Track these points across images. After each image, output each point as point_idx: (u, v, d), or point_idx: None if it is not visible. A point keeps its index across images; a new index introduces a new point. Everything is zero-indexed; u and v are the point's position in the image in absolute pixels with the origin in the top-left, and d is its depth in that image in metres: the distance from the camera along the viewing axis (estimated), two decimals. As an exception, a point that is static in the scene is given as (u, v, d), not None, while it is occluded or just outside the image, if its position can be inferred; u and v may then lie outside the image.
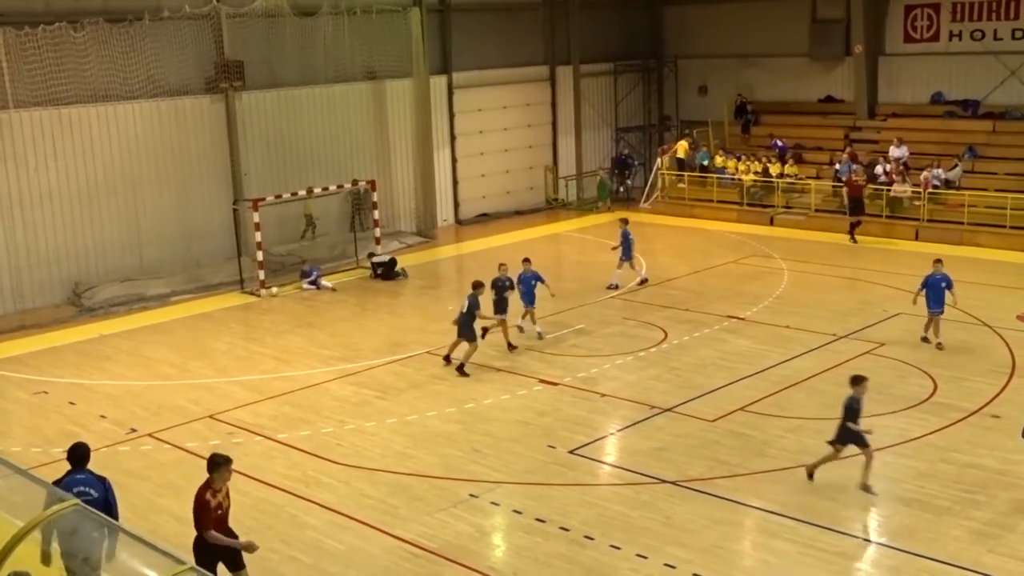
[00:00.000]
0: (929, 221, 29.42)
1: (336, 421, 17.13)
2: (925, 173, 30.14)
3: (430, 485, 14.59)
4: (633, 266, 25.19)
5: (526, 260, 21.80)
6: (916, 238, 28.95)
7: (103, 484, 10.98)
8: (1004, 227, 27.87)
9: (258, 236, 25.55)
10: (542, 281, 21.48)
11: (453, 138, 34.15)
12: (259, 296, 25.47)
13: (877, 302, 22.95)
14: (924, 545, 12.46)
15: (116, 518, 10.90)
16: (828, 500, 13.70)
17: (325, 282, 25.95)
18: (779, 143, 34.76)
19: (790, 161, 33.62)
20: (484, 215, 35.09)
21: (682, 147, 35.88)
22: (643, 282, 25.04)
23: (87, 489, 10.80)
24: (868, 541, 12.88)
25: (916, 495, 13.77)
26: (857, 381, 14.02)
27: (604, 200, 35.77)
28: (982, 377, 18.00)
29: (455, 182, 34.45)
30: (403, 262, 27.73)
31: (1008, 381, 17.81)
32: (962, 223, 28.53)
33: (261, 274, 25.69)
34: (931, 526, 12.95)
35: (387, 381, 19.02)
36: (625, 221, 25.44)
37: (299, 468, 15.34)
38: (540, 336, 21.03)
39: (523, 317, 21.44)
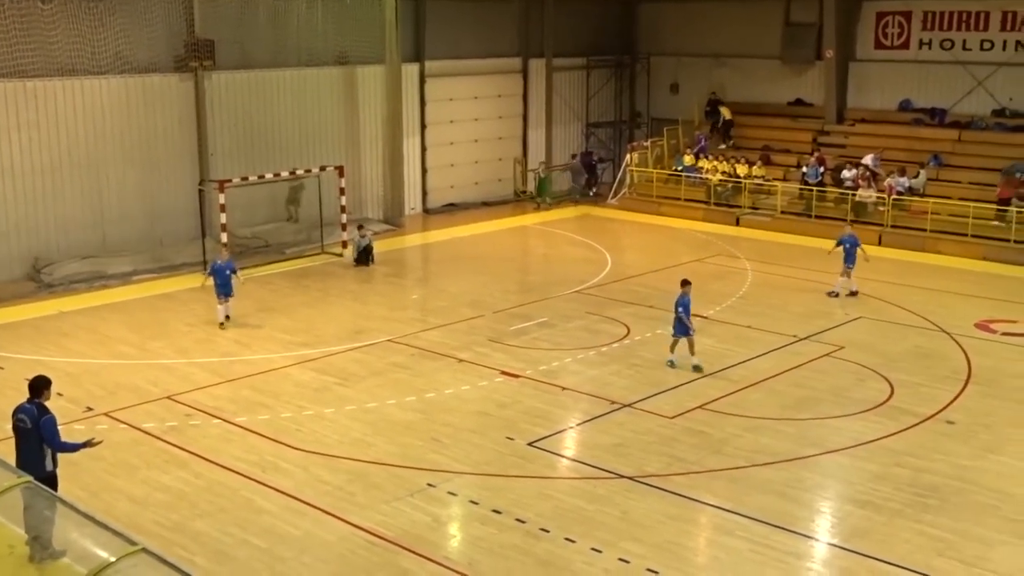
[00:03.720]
0: (893, 227, 29.72)
1: (295, 406, 17.06)
2: (889, 179, 30.47)
3: (388, 473, 14.57)
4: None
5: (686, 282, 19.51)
6: (879, 243, 29.18)
7: (39, 414, 11.53)
8: (966, 235, 28.18)
9: (223, 218, 25.37)
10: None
11: (423, 127, 34.06)
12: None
13: (838, 305, 23.17)
14: (875, 547, 12.60)
15: (53, 448, 11.63)
16: (783, 500, 13.82)
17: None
18: (702, 139, 35.13)
19: (758, 164, 33.84)
20: (452, 205, 35.02)
21: (688, 158, 35.74)
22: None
23: (24, 417, 11.60)
24: (820, 542, 13.01)
25: (870, 497, 13.91)
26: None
27: (543, 198, 35.64)
28: (938, 383, 18.21)
29: (424, 171, 34.38)
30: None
31: (963, 388, 18.04)
32: (925, 230, 28.85)
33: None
34: (883, 528, 13.10)
35: (348, 368, 18.96)
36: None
37: (256, 452, 15.26)
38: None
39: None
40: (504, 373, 18.62)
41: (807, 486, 14.37)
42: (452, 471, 14.64)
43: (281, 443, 15.57)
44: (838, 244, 23.95)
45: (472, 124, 35.62)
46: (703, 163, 34.63)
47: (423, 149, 34.21)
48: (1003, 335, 21.10)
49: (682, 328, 18.79)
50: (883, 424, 16.32)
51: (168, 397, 17.42)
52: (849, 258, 23.65)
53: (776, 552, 12.51)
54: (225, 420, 16.44)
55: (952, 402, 17.35)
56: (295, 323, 21.88)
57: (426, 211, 34.42)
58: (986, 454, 15.28)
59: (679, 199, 34.12)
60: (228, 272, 21.48)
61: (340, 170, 28.53)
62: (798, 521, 13.37)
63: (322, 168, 28.52)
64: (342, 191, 28.62)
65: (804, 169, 32.40)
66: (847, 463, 15.03)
